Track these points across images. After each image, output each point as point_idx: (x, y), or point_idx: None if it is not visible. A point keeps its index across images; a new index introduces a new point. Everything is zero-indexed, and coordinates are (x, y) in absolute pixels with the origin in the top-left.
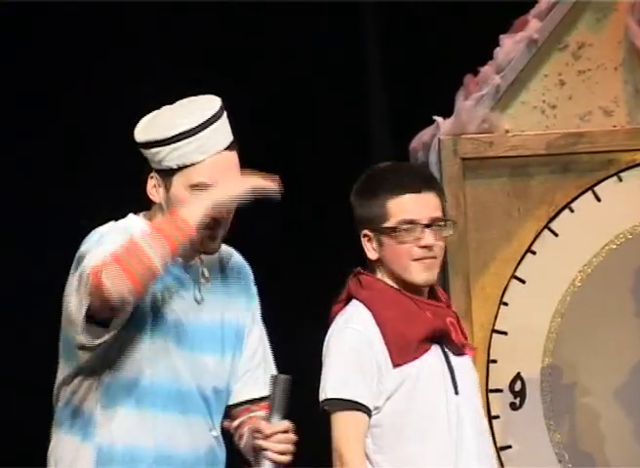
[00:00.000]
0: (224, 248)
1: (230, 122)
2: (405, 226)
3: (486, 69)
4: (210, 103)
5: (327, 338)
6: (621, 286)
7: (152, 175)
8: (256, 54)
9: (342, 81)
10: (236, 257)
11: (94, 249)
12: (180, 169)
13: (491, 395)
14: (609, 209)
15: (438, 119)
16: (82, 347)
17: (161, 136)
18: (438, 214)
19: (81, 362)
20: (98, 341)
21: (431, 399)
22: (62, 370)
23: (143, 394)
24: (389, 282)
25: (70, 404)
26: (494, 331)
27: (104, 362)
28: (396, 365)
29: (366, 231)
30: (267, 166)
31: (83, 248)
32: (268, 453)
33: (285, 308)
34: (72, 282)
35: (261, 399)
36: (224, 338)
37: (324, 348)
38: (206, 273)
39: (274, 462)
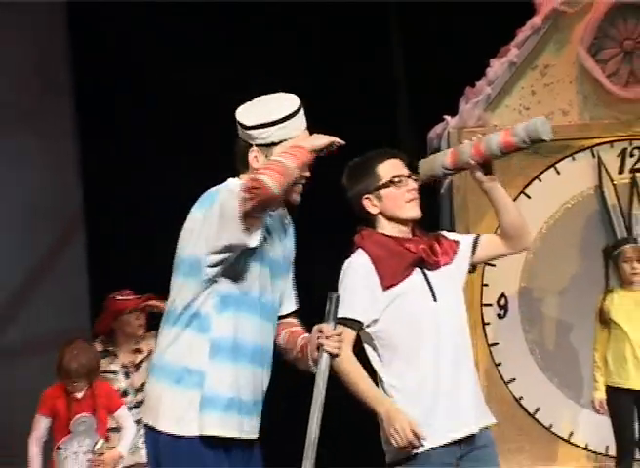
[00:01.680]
0: None
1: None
2: (396, 179)
3: (480, 83)
4: (293, 98)
5: (341, 273)
6: (574, 232)
7: (253, 149)
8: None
9: (378, 97)
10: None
11: (225, 195)
12: (281, 142)
13: (484, 308)
14: (565, 179)
15: (447, 117)
16: (229, 249)
17: (269, 119)
18: (408, 170)
19: (208, 276)
20: (255, 241)
21: (415, 307)
22: (183, 285)
23: (246, 304)
24: (384, 230)
25: (190, 308)
26: (486, 263)
27: (223, 278)
28: (386, 287)
29: (366, 196)
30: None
31: (214, 204)
32: (327, 348)
33: (319, 259)
34: (212, 213)
35: (289, 314)
36: (287, 269)
37: (339, 279)
38: (286, 220)
39: (330, 354)
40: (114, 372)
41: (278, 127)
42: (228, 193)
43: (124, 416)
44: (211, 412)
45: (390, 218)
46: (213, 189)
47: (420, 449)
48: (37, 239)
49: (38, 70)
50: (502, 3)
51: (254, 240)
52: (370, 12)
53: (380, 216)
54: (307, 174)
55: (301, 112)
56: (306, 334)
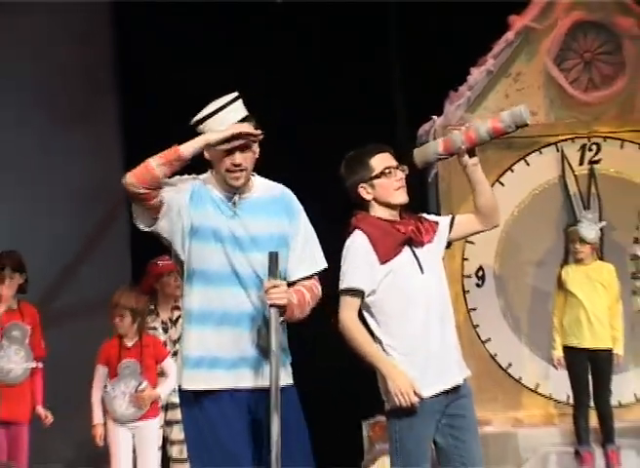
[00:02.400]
0: (272, 185)
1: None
2: (386, 170)
3: (462, 88)
4: (224, 98)
5: (343, 251)
6: (540, 215)
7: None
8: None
9: (377, 97)
10: (277, 191)
11: None
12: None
13: (464, 278)
14: (534, 170)
15: (434, 117)
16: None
17: (207, 112)
18: (396, 161)
19: (176, 258)
20: (144, 227)
21: (406, 279)
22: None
23: (211, 277)
24: (377, 214)
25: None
26: (466, 241)
27: (189, 258)
28: (382, 262)
29: (361, 185)
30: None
31: None
32: (274, 301)
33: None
34: None
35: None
36: (276, 242)
37: (342, 256)
38: (237, 200)
39: (277, 306)
40: (154, 328)
41: (210, 122)
42: None
43: (168, 365)
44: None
45: (382, 204)
46: None
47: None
48: (88, 216)
49: (85, 68)
50: (499, 3)
51: (141, 224)
52: (368, 12)
53: (373, 202)
54: (233, 161)
55: (229, 108)
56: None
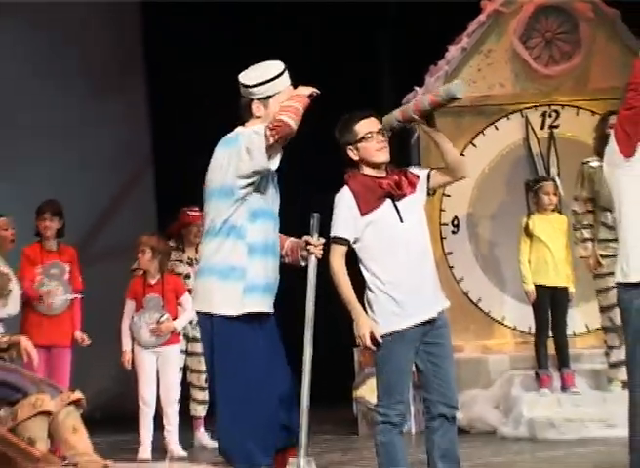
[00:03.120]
0: None
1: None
2: (368, 135)
3: (441, 63)
4: (278, 63)
5: (334, 204)
6: (507, 172)
7: (254, 102)
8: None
9: (368, 67)
10: None
11: (250, 135)
12: (274, 95)
13: (442, 226)
14: (502, 134)
15: (416, 88)
16: (257, 173)
17: (264, 79)
18: (379, 126)
19: (240, 196)
20: (275, 164)
21: (386, 228)
22: (218, 207)
23: (268, 214)
24: (364, 171)
25: (228, 222)
26: (443, 194)
27: (252, 196)
28: (362, 214)
29: (349, 147)
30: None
31: (238, 144)
32: (315, 255)
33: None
34: (240, 149)
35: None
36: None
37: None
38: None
39: (317, 258)
40: (181, 261)
41: (271, 84)
42: (253, 133)
43: (187, 300)
44: (253, 296)
45: (367, 163)
46: (231, 134)
47: (398, 328)
48: (120, 173)
49: (118, 48)
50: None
51: (275, 164)
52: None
53: (360, 162)
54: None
55: (286, 73)
56: (291, 238)
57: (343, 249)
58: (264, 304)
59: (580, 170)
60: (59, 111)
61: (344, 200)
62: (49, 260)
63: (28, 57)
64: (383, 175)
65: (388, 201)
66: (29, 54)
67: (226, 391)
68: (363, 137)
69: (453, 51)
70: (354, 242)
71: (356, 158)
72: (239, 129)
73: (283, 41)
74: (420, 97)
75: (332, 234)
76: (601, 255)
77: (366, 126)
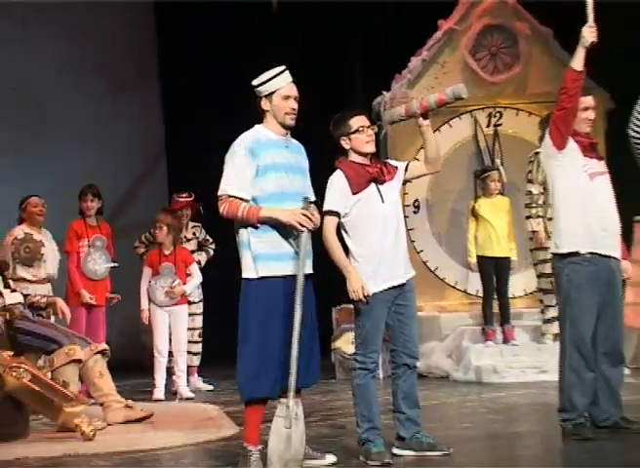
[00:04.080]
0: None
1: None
2: (360, 128)
3: (404, 71)
4: (280, 67)
5: (327, 184)
6: (459, 162)
7: (262, 99)
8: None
9: (344, 75)
10: (295, 141)
11: (230, 161)
12: (275, 91)
13: (405, 207)
14: (455, 131)
15: (384, 92)
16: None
17: (270, 76)
18: (369, 122)
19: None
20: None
21: (370, 207)
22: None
23: (274, 196)
24: (353, 159)
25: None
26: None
27: (259, 184)
28: (354, 193)
29: (343, 138)
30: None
31: (230, 151)
32: (307, 226)
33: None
34: (227, 165)
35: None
36: (302, 170)
37: (327, 188)
38: (292, 141)
39: (309, 230)
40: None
41: (272, 82)
42: (230, 151)
43: (194, 269)
44: (262, 263)
45: (356, 152)
46: (234, 146)
47: (374, 290)
48: (137, 163)
49: (134, 49)
50: (431, 9)
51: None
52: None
53: (350, 151)
54: (295, 106)
55: (286, 73)
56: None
57: (335, 220)
58: (271, 270)
59: (535, 158)
60: (83, 109)
61: (338, 181)
62: (93, 234)
63: (57, 59)
64: (368, 163)
65: (373, 184)
66: (58, 56)
67: (239, 341)
68: (356, 130)
69: (414, 62)
70: (343, 216)
71: (348, 147)
72: (256, 126)
73: (284, 41)
74: (423, 98)
75: (326, 208)
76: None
77: (359, 121)
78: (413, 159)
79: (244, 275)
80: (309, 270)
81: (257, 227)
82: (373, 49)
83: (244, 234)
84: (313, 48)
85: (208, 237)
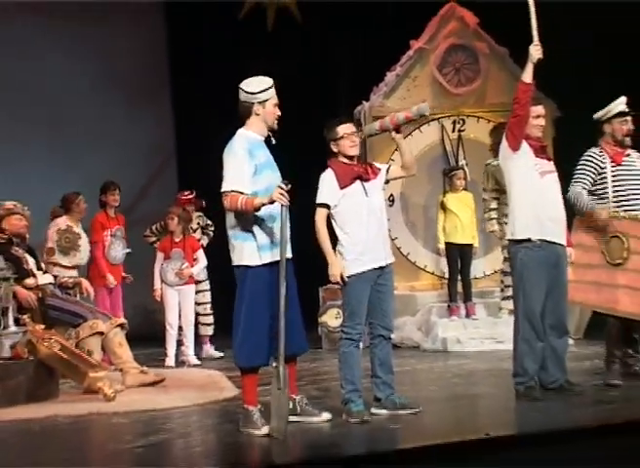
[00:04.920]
0: None
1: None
2: (345, 135)
3: (381, 84)
4: (269, 78)
5: (320, 181)
6: (428, 162)
7: (256, 104)
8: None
9: (329, 87)
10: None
11: (230, 163)
12: (269, 99)
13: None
14: (425, 135)
15: (364, 102)
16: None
17: (264, 87)
18: (354, 129)
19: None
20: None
21: (356, 200)
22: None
23: (268, 191)
24: (341, 160)
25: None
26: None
27: (255, 181)
28: (341, 188)
29: (332, 142)
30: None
31: (228, 150)
32: (283, 202)
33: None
34: (228, 164)
35: None
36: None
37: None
38: (273, 141)
39: (283, 205)
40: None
41: (268, 91)
42: (229, 153)
43: (200, 255)
44: (264, 252)
45: (343, 155)
46: (233, 139)
47: (359, 271)
48: (151, 162)
49: (146, 54)
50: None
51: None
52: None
53: (339, 153)
54: (278, 113)
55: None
56: None
57: (326, 211)
58: (257, 258)
59: (486, 169)
60: (100, 114)
61: (328, 177)
62: (114, 225)
63: (82, 70)
64: (355, 163)
65: (358, 181)
66: (83, 67)
67: (235, 318)
68: (342, 136)
69: (389, 76)
70: (332, 208)
71: (336, 150)
72: (239, 131)
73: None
74: (394, 115)
75: (318, 201)
76: (506, 223)
77: (344, 128)
78: (388, 160)
79: (243, 263)
80: (289, 255)
81: (258, 221)
82: (357, 65)
83: (245, 226)
84: (312, 62)
85: (209, 222)
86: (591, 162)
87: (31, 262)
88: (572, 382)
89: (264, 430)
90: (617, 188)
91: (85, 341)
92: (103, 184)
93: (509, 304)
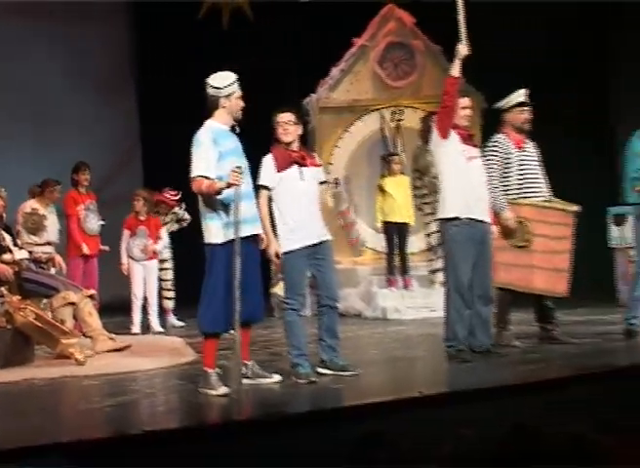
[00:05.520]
0: None
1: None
2: (281, 123)
3: (327, 78)
4: (233, 73)
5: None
6: (369, 149)
7: (222, 98)
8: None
9: (281, 79)
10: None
11: (196, 151)
12: (234, 92)
13: (328, 184)
14: (366, 124)
15: (312, 94)
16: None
17: (229, 82)
18: (292, 118)
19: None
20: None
21: (292, 183)
22: None
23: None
24: (282, 146)
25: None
26: (328, 163)
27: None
28: (278, 171)
29: (274, 128)
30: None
31: (195, 139)
32: (234, 182)
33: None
34: (195, 152)
35: None
36: (242, 151)
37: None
38: (237, 130)
39: (234, 185)
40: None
41: (234, 85)
42: (195, 142)
43: (163, 232)
44: (227, 230)
45: (279, 141)
46: (198, 137)
47: (294, 247)
48: (119, 149)
49: (112, 55)
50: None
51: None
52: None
53: (278, 139)
54: (242, 104)
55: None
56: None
57: (266, 193)
58: (222, 236)
59: (417, 152)
60: (77, 108)
61: (267, 162)
62: (87, 200)
63: (56, 68)
64: (294, 150)
65: (295, 166)
66: (57, 65)
67: (203, 289)
68: (277, 123)
69: (335, 71)
70: (272, 189)
71: (276, 136)
72: (206, 122)
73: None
74: None
75: (258, 183)
76: (424, 203)
77: (280, 117)
78: (332, 146)
79: (210, 240)
80: (259, 231)
81: (222, 203)
82: (305, 61)
83: (212, 207)
84: (265, 57)
85: (187, 216)
86: (498, 148)
87: (8, 239)
88: (496, 345)
89: (221, 390)
90: (521, 172)
91: (58, 311)
92: (75, 165)
93: (439, 277)
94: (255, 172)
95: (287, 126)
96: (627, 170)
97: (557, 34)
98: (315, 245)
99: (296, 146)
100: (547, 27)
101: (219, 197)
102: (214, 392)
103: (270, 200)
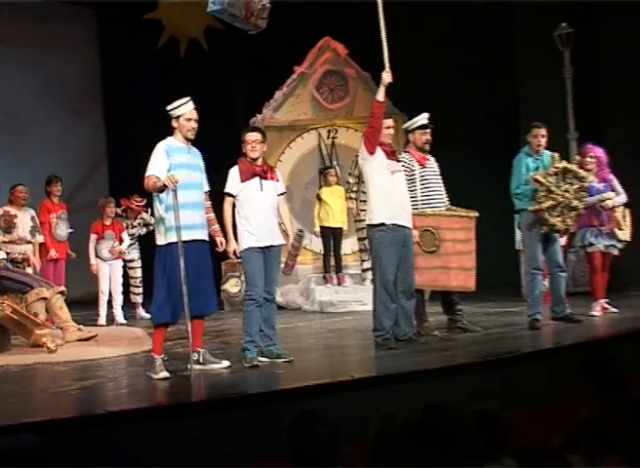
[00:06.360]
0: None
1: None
2: (247, 140)
3: (271, 100)
4: (187, 98)
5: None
6: (308, 163)
7: (173, 119)
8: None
9: (228, 101)
10: (194, 148)
11: (152, 158)
12: (183, 114)
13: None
14: (305, 142)
15: (257, 114)
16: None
17: (179, 104)
18: (259, 138)
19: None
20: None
21: (253, 193)
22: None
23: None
24: (247, 160)
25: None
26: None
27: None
28: (242, 181)
29: (242, 146)
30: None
31: (153, 152)
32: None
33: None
34: (151, 159)
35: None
36: (201, 169)
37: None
38: (193, 148)
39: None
40: (136, 225)
41: (178, 109)
42: (153, 152)
43: (124, 236)
44: (170, 234)
45: (246, 156)
46: (156, 149)
47: (252, 246)
48: (86, 162)
49: (81, 74)
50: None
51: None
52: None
53: (245, 154)
54: (195, 125)
55: (190, 102)
56: (215, 226)
57: (230, 200)
58: (164, 239)
59: (355, 159)
60: (47, 123)
61: (234, 173)
62: (58, 209)
63: (30, 88)
64: (259, 164)
65: (257, 178)
66: (32, 85)
67: (155, 286)
68: (246, 141)
69: (278, 94)
70: (235, 197)
71: (244, 152)
72: (168, 138)
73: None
74: None
75: (225, 190)
76: (361, 209)
77: (247, 136)
78: (276, 161)
79: (158, 242)
80: (206, 238)
81: (168, 209)
82: (251, 85)
83: (160, 213)
84: (217, 82)
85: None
86: (403, 166)
87: None
88: (417, 334)
89: (161, 375)
90: (424, 187)
91: (32, 305)
92: (48, 178)
93: (369, 275)
94: (213, 182)
95: (254, 144)
96: (511, 185)
97: (473, 57)
98: (267, 247)
99: (260, 162)
100: (465, 52)
101: (162, 204)
102: (154, 376)
103: (234, 206)
